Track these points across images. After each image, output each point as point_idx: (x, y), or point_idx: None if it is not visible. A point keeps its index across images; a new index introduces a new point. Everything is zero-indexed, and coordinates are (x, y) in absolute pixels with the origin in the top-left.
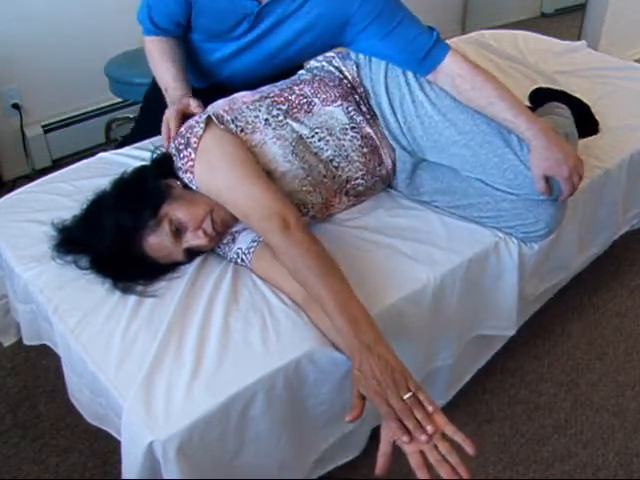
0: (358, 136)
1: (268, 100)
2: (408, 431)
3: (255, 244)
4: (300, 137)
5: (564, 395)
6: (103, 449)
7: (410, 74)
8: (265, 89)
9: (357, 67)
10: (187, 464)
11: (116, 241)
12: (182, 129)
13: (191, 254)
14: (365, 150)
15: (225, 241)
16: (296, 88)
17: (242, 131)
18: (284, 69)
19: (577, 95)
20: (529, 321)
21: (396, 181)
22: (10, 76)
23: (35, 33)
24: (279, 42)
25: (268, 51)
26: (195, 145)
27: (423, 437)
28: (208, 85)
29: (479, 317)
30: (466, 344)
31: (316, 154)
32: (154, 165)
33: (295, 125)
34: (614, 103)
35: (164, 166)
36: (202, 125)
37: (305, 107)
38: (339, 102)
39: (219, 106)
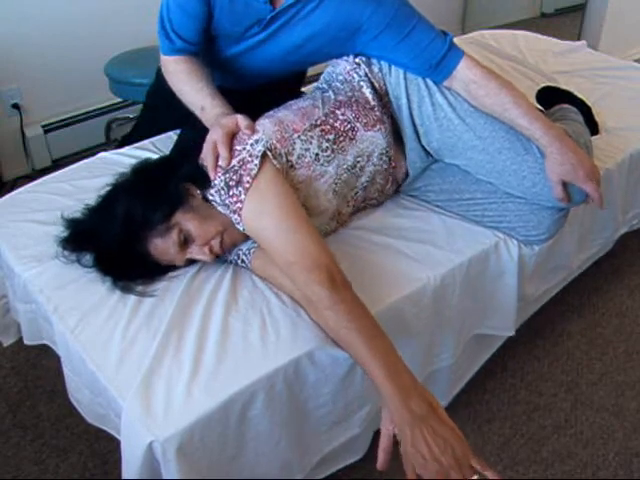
0: (387, 160)
1: (317, 130)
2: None
3: (255, 244)
4: (344, 170)
5: (564, 395)
6: (103, 449)
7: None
8: (307, 110)
9: (382, 74)
10: (187, 464)
11: (123, 231)
12: (234, 162)
13: (192, 261)
14: (387, 173)
15: None
16: (338, 112)
17: (292, 167)
18: (292, 71)
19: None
20: (529, 321)
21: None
22: (10, 76)
23: (35, 33)
24: (287, 45)
25: (275, 53)
26: (247, 185)
27: None
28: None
29: (479, 317)
30: (466, 344)
31: (355, 185)
32: (183, 168)
33: (340, 158)
34: (614, 103)
35: (195, 176)
36: (257, 163)
37: (349, 134)
38: (378, 126)
39: (270, 131)
